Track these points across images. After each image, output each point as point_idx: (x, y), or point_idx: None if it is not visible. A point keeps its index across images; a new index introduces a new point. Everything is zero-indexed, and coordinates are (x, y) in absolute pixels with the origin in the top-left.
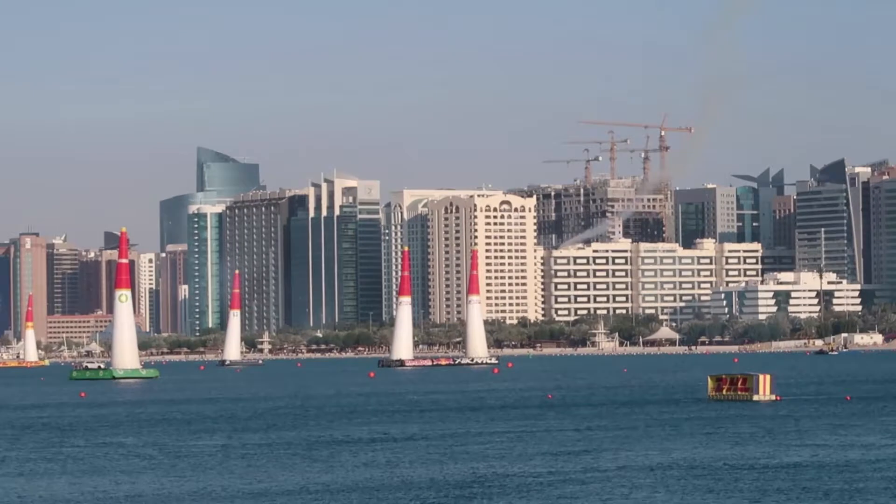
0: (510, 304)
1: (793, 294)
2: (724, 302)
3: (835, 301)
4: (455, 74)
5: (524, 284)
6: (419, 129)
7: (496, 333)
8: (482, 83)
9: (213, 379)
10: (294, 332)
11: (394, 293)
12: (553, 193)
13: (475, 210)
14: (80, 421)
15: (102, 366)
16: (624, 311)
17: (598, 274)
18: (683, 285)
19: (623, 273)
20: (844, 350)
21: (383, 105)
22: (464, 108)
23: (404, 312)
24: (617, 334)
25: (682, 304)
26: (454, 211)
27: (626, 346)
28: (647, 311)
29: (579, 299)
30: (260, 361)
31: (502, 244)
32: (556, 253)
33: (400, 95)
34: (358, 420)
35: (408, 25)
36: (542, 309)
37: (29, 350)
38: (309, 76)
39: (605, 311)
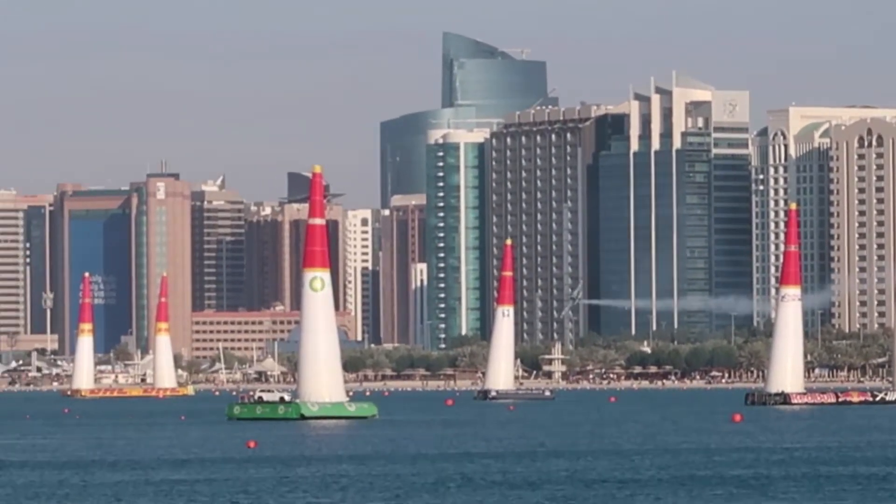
0: None
1: None
2: None
3: None
4: None
5: None
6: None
7: None
8: None
9: (466, 421)
10: (604, 344)
11: (771, 279)
12: None
13: None
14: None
15: (285, 396)
16: None
17: None
18: None
19: None
20: None
21: None
22: None
23: (789, 312)
24: None
25: None
26: (875, 142)
27: None
28: None
29: None
30: (547, 393)
31: None
32: None
33: None
34: None
35: None
36: None
37: (162, 369)
38: None
39: None
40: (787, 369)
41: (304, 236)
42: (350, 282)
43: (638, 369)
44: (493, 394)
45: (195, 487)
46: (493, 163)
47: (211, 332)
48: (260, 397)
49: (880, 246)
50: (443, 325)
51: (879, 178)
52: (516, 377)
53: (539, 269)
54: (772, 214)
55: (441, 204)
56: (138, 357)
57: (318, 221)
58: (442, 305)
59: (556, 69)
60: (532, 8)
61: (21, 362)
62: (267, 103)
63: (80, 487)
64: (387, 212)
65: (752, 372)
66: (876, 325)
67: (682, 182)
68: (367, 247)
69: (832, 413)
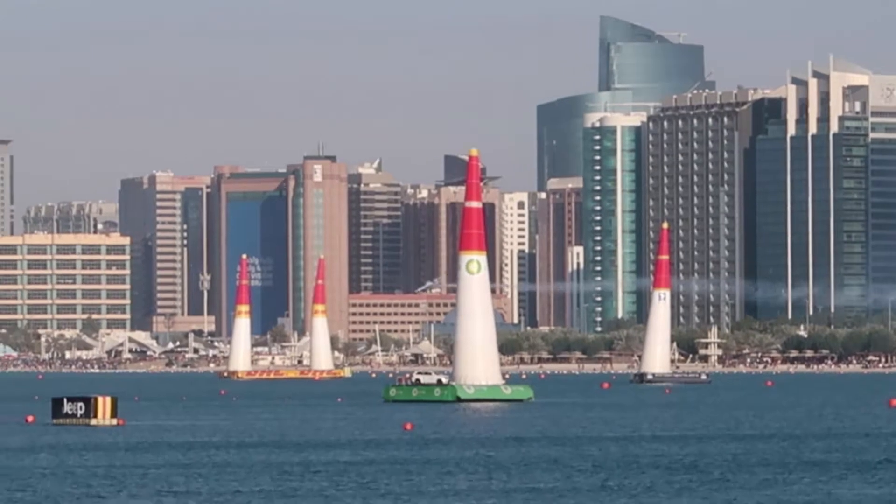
0: None
1: None
2: None
3: None
4: None
5: None
6: None
7: None
8: None
9: (623, 404)
10: (760, 328)
11: None
12: None
13: None
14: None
15: (442, 379)
16: None
17: None
18: None
19: None
20: None
21: None
22: None
23: None
24: None
25: None
26: None
27: None
28: None
29: None
30: (704, 376)
31: None
32: None
33: None
34: None
35: None
36: None
37: (318, 351)
38: None
39: None
40: None
41: (461, 219)
42: (506, 265)
43: (794, 353)
44: (650, 377)
45: (356, 469)
46: (650, 146)
47: (367, 314)
48: (417, 379)
49: None
50: (599, 309)
51: None
52: (672, 360)
53: (696, 253)
54: None
55: (598, 187)
56: (295, 339)
57: (475, 204)
58: (598, 288)
59: (713, 53)
60: None
61: (178, 344)
62: (424, 86)
63: (243, 468)
64: (543, 195)
65: None
66: None
67: (839, 166)
68: (523, 230)
69: None
